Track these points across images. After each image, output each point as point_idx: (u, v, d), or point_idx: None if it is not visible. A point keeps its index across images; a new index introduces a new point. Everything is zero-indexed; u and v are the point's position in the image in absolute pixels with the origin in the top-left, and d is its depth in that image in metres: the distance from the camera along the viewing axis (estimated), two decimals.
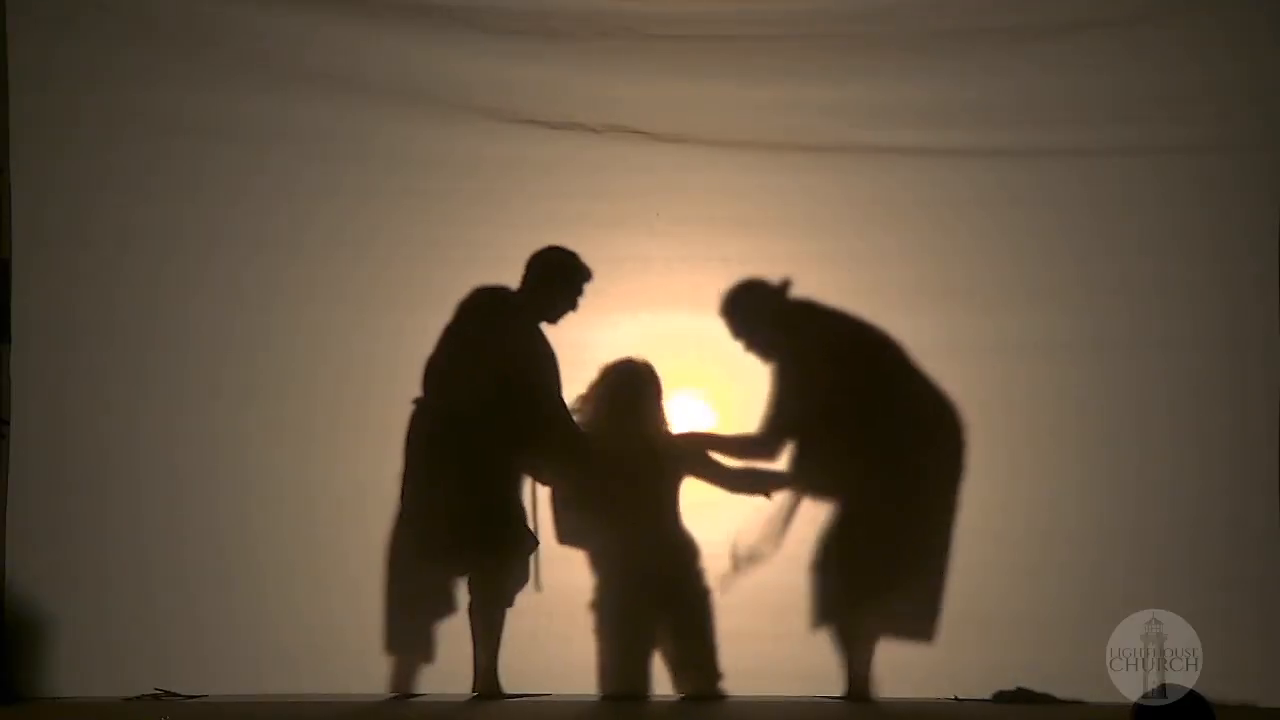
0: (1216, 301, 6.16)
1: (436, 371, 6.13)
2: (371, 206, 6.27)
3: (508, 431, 6.06)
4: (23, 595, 6.13)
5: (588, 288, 6.20)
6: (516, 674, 6.12)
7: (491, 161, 6.25)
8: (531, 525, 6.11)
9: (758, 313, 6.21)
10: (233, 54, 6.26)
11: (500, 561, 6.10)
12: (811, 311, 6.19)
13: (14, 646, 6.12)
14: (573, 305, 6.20)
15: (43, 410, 6.21)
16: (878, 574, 6.07)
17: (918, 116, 6.25)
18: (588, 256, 6.22)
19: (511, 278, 6.21)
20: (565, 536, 6.14)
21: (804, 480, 6.13)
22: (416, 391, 6.11)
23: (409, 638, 6.11)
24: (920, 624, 6.06)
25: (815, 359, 6.15)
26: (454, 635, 6.10)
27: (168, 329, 6.23)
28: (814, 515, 6.14)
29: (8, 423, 6.17)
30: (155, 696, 6.05)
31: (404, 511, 6.08)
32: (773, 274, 6.21)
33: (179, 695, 6.05)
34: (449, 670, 6.12)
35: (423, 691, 6.12)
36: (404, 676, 6.12)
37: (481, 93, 6.28)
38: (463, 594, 6.09)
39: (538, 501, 6.15)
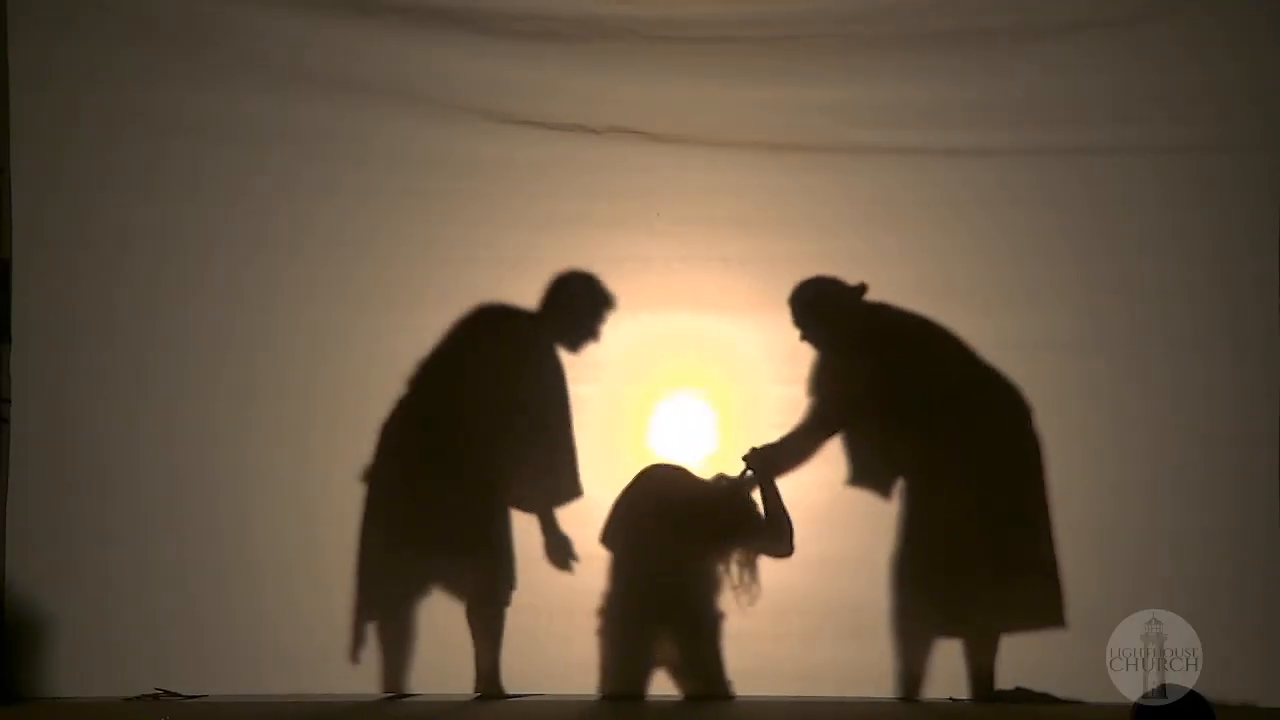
0: (1216, 301, 6.15)
1: (430, 373, 6.13)
2: (371, 206, 6.26)
3: (499, 442, 6.10)
4: (23, 595, 6.13)
5: (610, 314, 6.21)
6: (516, 674, 6.12)
7: (491, 162, 6.25)
8: (512, 528, 6.12)
9: (823, 308, 6.18)
10: (233, 54, 6.26)
11: (492, 562, 6.10)
12: (877, 312, 6.17)
13: (14, 646, 6.12)
14: (594, 334, 6.21)
15: (43, 410, 6.20)
16: (992, 570, 6.03)
17: (918, 116, 6.24)
18: (588, 256, 6.22)
19: (511, 278, 6.21)
20: (608, 539, 6.12)
21: (883, 486, 6.11)
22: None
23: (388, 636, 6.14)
24: (1049, 611, 6.01)
25: (883, 358, 6.14)
26: (454, 634, 6.11)
27: (168, 329, 6.23)
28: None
29: (9, 402, 6.17)
30: (155, 696, 6.05)
31: (377, 508, 6.10)
32: (773, 274, 6.21)
33: (179, 695, 6.05)
34: (450, 670, 6.13)
35: (422, 691, 6.13)
36: (390, 676, 6.13)
37: (481, 93, 6.27)
38: (452, 595, 6.11)
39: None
